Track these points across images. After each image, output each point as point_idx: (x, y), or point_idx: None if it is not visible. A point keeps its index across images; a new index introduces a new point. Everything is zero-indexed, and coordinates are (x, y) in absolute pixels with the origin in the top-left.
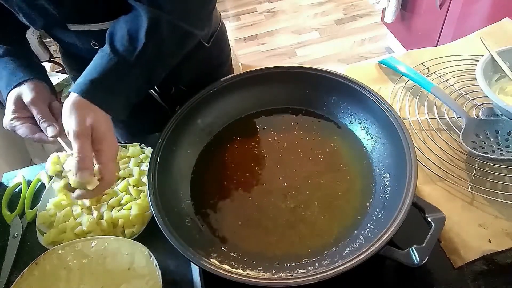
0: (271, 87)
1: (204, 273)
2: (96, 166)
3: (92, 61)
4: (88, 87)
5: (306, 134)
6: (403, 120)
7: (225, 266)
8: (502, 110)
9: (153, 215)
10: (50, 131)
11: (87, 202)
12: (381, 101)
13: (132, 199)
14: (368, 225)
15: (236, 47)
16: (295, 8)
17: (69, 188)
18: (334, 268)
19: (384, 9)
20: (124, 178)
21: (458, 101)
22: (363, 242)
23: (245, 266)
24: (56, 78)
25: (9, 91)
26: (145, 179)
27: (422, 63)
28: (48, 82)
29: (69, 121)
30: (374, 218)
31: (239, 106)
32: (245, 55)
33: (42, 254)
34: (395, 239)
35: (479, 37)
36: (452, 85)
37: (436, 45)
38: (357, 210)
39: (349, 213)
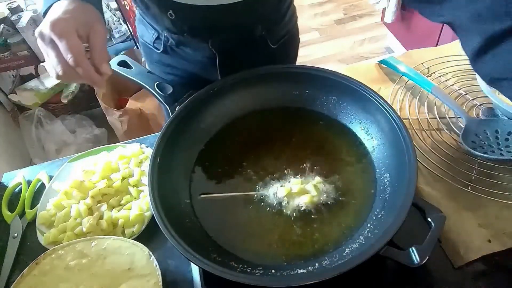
0: (270, 87)
1: (204, 273)
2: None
3: None
4: None
5: (306, 134)
6: (403, 120)
7: (225, 266)
8: (502, 110)
9: (153, 215)
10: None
11: (88, 200)
12: (381, 101)
13: (132, 199)
14: (368, 225)
15: None
16: None
17: None
18: (333, 269)
19: (384, 9)
20: (124, 178)
21: (458, 101)
22: (363, 242)
23: (245, 266)
24: None
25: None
26: (145, 179)
27: (422, 63)
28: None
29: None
30: (374, 218)
31: (238, 105)
32: None
33: (42, 254)
34: (395, 239)
35: None
36: (452, 85)
37: (436, 45)
38: (357, 210)
39: (349, 213)
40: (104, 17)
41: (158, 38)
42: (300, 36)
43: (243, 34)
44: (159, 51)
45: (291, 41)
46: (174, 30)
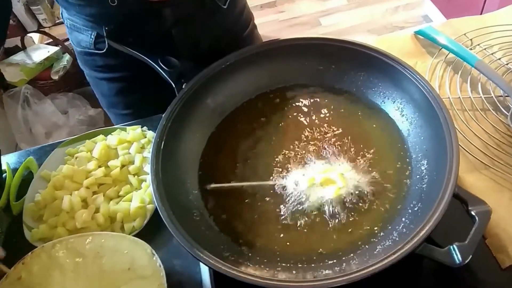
0: (291, 61)
1: (215, 274)
2: None
3: None
4: None
5: (332, 115)
6: (443, 99)
7: (239, 267)
8: None
9: (156, 208)
10: None
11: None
12: (417, 78)
13: (132, 189)
14: (403, 219)
15: None
16: None
17: None
18: (363, 269)
19: None
20: (124, 165)
21: (506, 77)
22: (397, 239)
23: (262, 266)
24: (45, 51)
25: None
26: (147, 167)
27: (465, 34)
28: None
29: None
30: (410, 211)
31: (254, 83)
32: (262, 25)
33: (30, 253)
34: (433, 235)
35: None
36: (499, 59)
37: (481, 13)
38: (390, 202)
39: (380, 206)
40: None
41: (98, 36)
42: (324, 3)
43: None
44: (103, 51)
45: None
46: (117, 19)
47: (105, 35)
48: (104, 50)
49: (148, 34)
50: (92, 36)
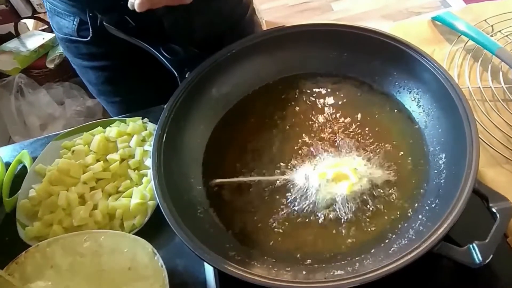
0: (300, 49)
1: (220, 274)
2: None
3: None
4: None
5: (344, 106)
6: (462, 89)
7: (246, 267)
8: None
9: (157, 204)
10: None
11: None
12: (435, 66)
13: (132, 185)
14: (420, 216)
15: (259, 0)
16: None
17: None
18: (377, 269)
19: None
20: (124, 159)
21: None
22: (414, 237)
23: (270, 266)
24: (40, 38)
25: None
26: (148, 161)
27: (485, 20)
28: None
29: None
30: (427, 208)
31: (260, 72)
32: (270, 10)
33: (24, 252)
34: (451, 233)
35: None
36: None
37: None
38: (407, 199)
39: (396, 202)
40: None
41: (82, 23)
42: None
43: None
44: (87, 39)
45: None
46: (100, 4)
47: (89, 21)
48: (88, 38)
49: (139, 22)
50: (74, 23)
